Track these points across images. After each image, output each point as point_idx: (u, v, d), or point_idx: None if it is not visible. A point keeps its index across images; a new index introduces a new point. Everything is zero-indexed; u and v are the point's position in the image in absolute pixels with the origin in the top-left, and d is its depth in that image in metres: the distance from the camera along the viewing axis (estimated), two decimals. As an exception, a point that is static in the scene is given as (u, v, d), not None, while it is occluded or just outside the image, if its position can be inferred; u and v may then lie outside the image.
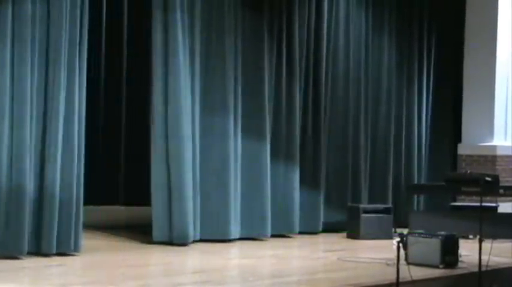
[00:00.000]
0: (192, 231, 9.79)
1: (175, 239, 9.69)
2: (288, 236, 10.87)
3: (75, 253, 8.57)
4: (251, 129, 10.56)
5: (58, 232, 8.45)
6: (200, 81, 10.18)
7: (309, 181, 11.29)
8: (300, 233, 11.05)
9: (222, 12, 10.33)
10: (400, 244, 7.40)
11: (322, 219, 11.37)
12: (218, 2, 10.33)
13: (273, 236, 10.66)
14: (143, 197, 14.68)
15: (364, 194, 12.03)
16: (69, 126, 8.62)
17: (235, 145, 10.37)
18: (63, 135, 8.55)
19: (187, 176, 9.78)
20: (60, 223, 8.50)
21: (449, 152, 13.24)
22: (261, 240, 10.47)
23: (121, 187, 14.85)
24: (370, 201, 11.97)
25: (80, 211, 8.68)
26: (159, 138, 9.83)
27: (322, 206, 11.38)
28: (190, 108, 9.96)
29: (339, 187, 11.73)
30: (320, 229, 11.35)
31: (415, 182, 12.64)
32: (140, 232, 10.87)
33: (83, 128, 8.77)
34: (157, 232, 9.73)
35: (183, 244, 9.67)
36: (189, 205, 9.76)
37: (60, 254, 8.45)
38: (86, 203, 14.37)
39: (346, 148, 11.87)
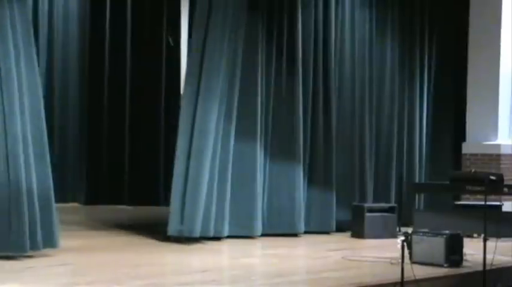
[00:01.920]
0: (200, 225, 9.89)
1: (186, 233, 9.80)
2: (294, 235, 10.86)
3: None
4: (243, 130, 10.58)
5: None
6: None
7: (321, 180, 11.30)
8: (314, 232, 11.07)
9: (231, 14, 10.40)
10: (405, 243, 7.40)
11: (335, 218, 11.39)
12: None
13: (275, 235, 10.66)
14: (148, 197, 14.77)
15: (370, 193, 12.03)
16: (29, 122, 8.44)
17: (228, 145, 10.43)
18: (24, 132, 8.34)
19: (204, 172, 9.90)
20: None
21: (450, 150, 13.24)
22: (253, 238, 10.47)
23: (126, 187, 14.88)
24: (375, 200, 11.98)
25: (51, 207, 8.50)
26: (183, 134, 9.98)
27: (335, 206, 11.39)
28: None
29: (347, 186, 11.73)
30: (334, 228, 11.34)
31: (417, 180, 12.64)
32: (144, 231, 10.88)
33: (43, 123, 8.55)
34: (171, 226, 9.83)
35: (193, 238, 9.77)
36: (203, 199, 9.90)
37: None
38: (89, 202, 14.56)
39: (352, 147, 11.87)
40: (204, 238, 10.02)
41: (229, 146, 10.34)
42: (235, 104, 10.41)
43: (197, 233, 9.89)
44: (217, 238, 10.13)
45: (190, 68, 10.24)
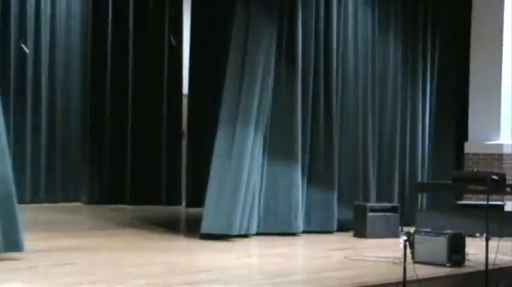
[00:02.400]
0: (239, 224, 10.14)
1: (221, 231, 10.05)
2: (292, 235, 10.86)
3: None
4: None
5: None
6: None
7: (321, 180, 11.29)
8: (315, 232, 11.07)
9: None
10: (407, 243, 7.40)
11: (336, 218, 11.38)
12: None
13: (272, 234, 10.66)
14: (150, 196, 14.79)
15: (373, 192, 12.02)
16: None
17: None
18: None
19: (244, 173, 10.14)
20: None
21: (452, 149, 13.23)
22: (248, 236, 10.49)
23: (128, 186, 14.89)
24: (378, 199, 11.97)
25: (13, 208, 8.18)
26: (222, 138, 10.18)
27: (336, 206, 11.39)
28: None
29: (350, 185, 11.72)
30: (335, 228, 11.33)
31: (419, 180, 12.64)
32: (146, 231, 10.89)
33: (1, 123, 8.42)
34: (206, 224, 10.04)
35: (226, 235, 10.02)
36: (241, 199, 10.15)
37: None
38: (92, 202, 14.58)
39: (355, 146, 11.86)
40: (231, 236, 10.15)
41: (260, 147, 10.54)
42: (263, 104, 10.55)
43: (235, 231, 10.08)
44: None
45: (232, 67, 10.34)
